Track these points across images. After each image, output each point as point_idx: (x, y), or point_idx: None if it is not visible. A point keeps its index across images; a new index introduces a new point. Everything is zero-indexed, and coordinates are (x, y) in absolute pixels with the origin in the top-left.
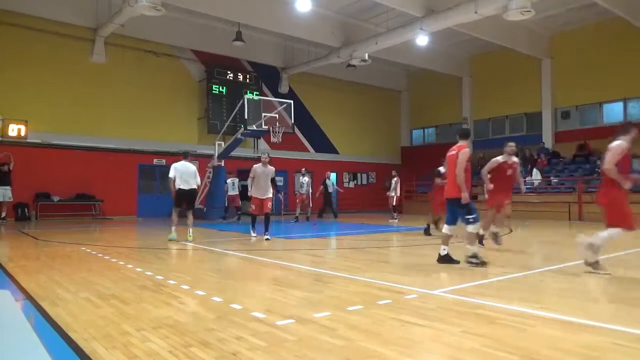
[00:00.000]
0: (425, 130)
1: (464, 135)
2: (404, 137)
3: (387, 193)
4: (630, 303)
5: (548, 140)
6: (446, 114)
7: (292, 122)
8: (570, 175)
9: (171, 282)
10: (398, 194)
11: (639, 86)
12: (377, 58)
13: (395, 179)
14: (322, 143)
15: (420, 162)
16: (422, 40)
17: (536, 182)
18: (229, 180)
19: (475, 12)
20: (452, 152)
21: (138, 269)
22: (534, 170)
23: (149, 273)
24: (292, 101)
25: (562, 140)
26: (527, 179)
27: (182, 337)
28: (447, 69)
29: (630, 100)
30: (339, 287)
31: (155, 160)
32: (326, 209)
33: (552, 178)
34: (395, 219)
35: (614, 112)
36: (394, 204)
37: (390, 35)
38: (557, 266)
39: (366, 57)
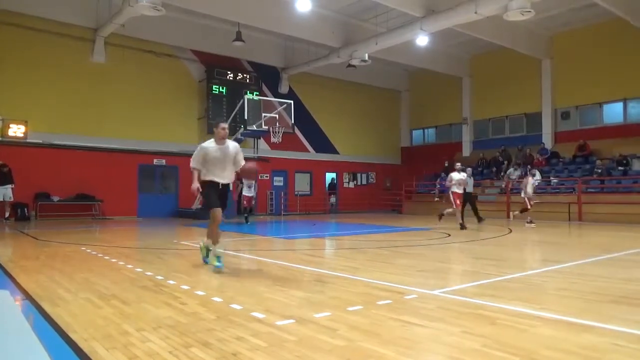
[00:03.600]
0: (426, 130)
1: None
2: (404, 137)
3: (526, 196)
4: (630, 303)
5: (548, 141)
6: (446, 114)
7: (292, 122)
8: (570, 176)
9: (171, 282)
10: (530, 195)
11: (639, 87)
12: (377, 58)
13: (530, 177)
14: (322, 143)
15: (420, 162)
16: (422, 40)
17: (536, 183)
18: (245, 182)
19: (475, 13)
20: None
21: (138, 269)
22: (534, 170)
23: (149, 273)
24: (292, 101)
25: (562, 140)
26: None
27: (182, 338)
28: (448, 69)
29: (630, 101)
30: (339, 287)
31: (155, 161)
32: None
33: (551, 178)
34: (532, 222)
35: (614, 112)
36: (529, 206)
37: (391, 36)
38: (556, 266)
39: (366, 57)
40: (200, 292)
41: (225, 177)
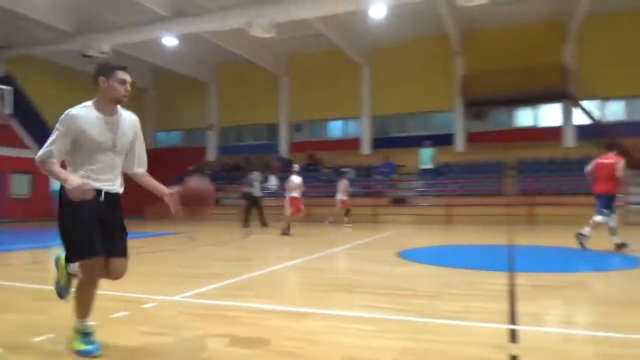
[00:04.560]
0: (172, 133)
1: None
2: (149, 138)
3: (340, 198)
4: (348, 290)
5: (284, 150)
6: (193, 118)
7: (9, 112)
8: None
9: None
10: (343, 196)
11: (355, 108)
12: (120, 52)
13: (345, 179)
14: (47, 139)
15: (165, 165)
16: (169, 40)
17: (273, 187)
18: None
19: (223, 22)
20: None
21: None
22: (271, 176)
23: None
24: (11, 87)
25: (296, 150)
26: (265, 184)
27: None
28: (195, 73)
29: (348, 120)
30: (65, 304)
31: None
32: (249, 217)
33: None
34: (350, 224)
35: (336, 128)
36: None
37: (134, 31)
38: (291, 262)
39: (106, 50)
40: None
41: (115, 180)
